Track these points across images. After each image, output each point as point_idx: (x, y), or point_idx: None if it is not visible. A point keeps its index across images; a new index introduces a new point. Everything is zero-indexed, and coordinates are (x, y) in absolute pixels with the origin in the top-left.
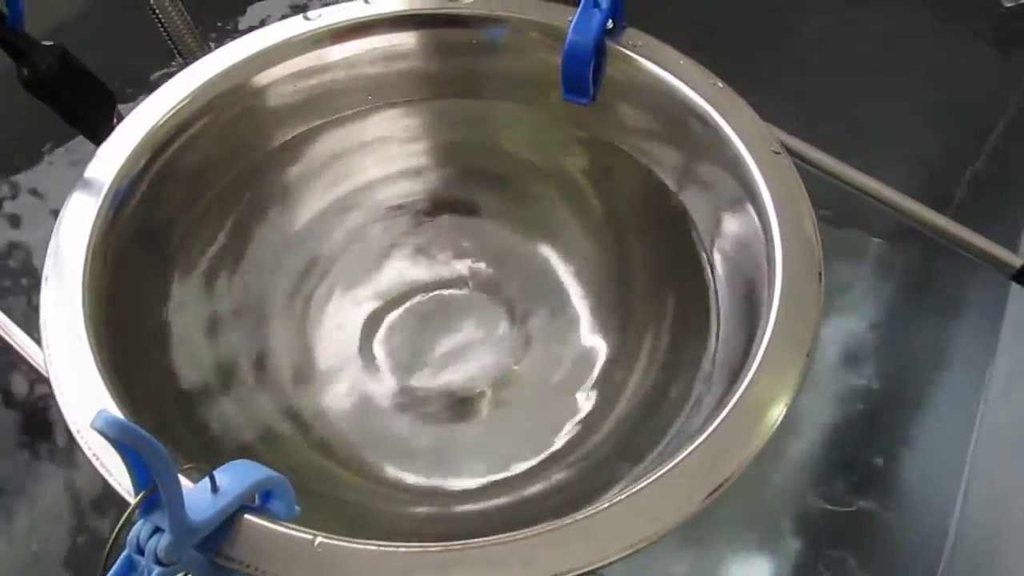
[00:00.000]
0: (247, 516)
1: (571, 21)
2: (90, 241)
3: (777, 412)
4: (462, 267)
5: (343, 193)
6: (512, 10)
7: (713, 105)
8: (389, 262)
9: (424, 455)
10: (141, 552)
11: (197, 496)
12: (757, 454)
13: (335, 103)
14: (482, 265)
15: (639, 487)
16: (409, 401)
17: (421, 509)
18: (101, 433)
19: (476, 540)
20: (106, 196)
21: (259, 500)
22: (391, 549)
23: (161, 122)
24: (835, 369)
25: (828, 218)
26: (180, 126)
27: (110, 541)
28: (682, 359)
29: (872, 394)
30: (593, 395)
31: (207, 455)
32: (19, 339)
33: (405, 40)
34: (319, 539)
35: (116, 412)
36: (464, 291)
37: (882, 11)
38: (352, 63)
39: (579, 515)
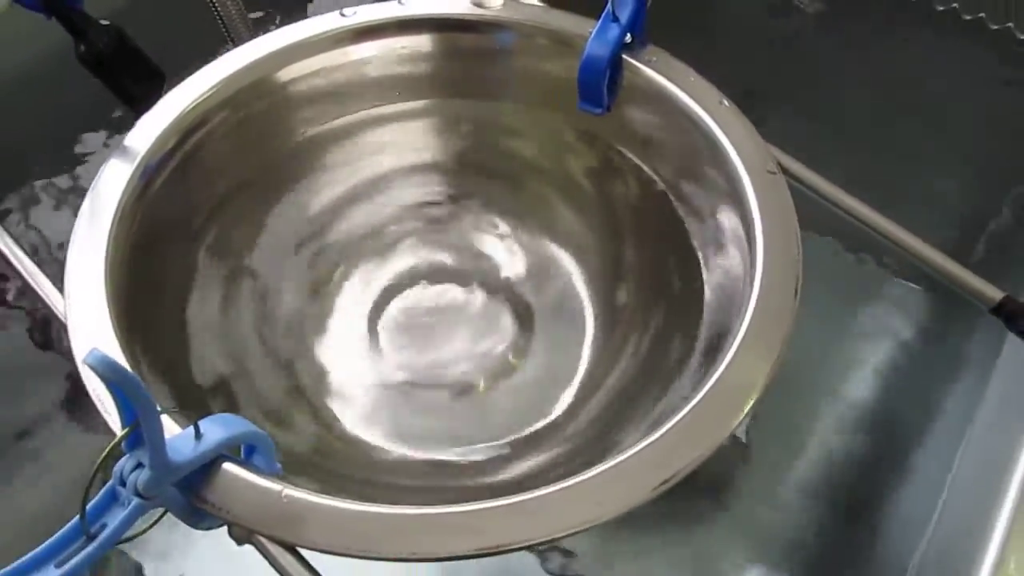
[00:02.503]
0: (226, 465)
1: (590, 34)
2: (119, 206)
3: (731, 422)
4: (468, 259)
5: (359, 184)
6: (527, 17)
7: (716, 121)
8: (399, 251)
9: (419, 433)
10: (124, 484)
11: (181, 440)
12: (705, 458)
13: (354, 100)
14: (488, 258)
15: (590, 475)
16: (408, 383)
17: (411, 482)
18: (92, 369)
19: (432, 508)
20: (137, 167)
21: (244, 455)
22: (349, 506)
23: (191, 107)
24: (832, 397)
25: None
26: (208, 113)
27: (93, 469)
28: (666, 360)
29: (867, 429)
30: (575, 390)
31: (200, 409)
32: (51, 295)
33: (425, 43)
34: (285, 491)
35: (119, 355)
36: (469, 283)
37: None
38: (373, 62)
39: (531, 494)
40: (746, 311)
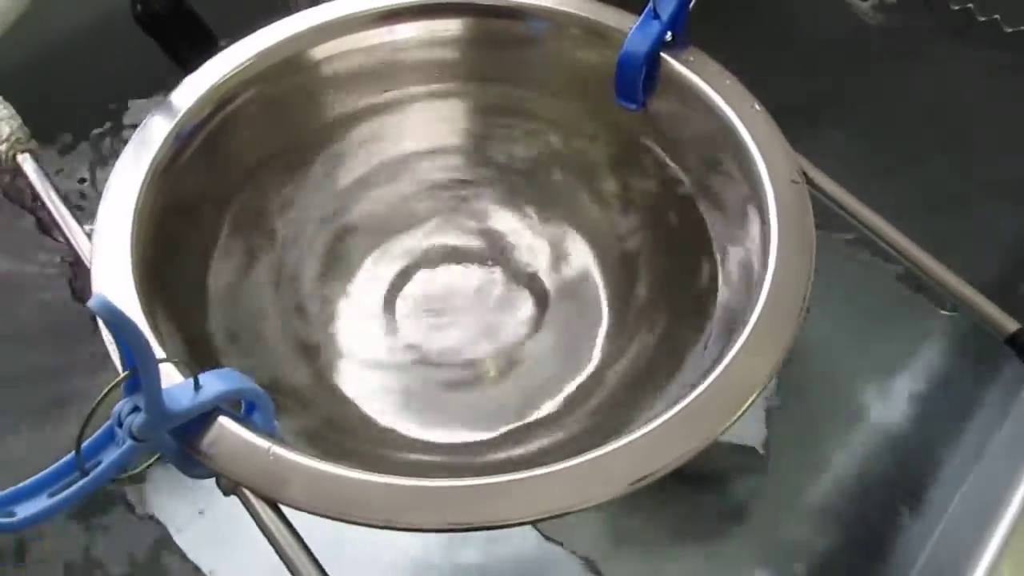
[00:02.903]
0: (221, 418)
1: (628, 28)
2: (153, 164)
3: (718, 426)
4: (488, 243)
5: (384, 163)
6: (561, 5)
7: (745, 125)
8: (420, 231)
9: (428, 412)
10: (121, 425)
11: (179, 390)
12: (686, 458)
13: (384, 81)
14: (508, 243)
15: (574, 462)
16: (422, 362)
17: (412, 456)
18: (96, 314)
19: (414, 479)
20: (173, 129)
21: (244, 411)
22: (332, 469)
23: (228, 77)
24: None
25: None
26: (242, 85)
27: (91, 408)
28: (674, 354)
29: (885, 450)
30: (585, 377)
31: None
32: (83, 246)
33: (458, 26)
34: (273, 449)
35: (135, 305)
36: (487, 266)
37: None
38: (405, 44)
39: (513, 475)
40: (750, 318)
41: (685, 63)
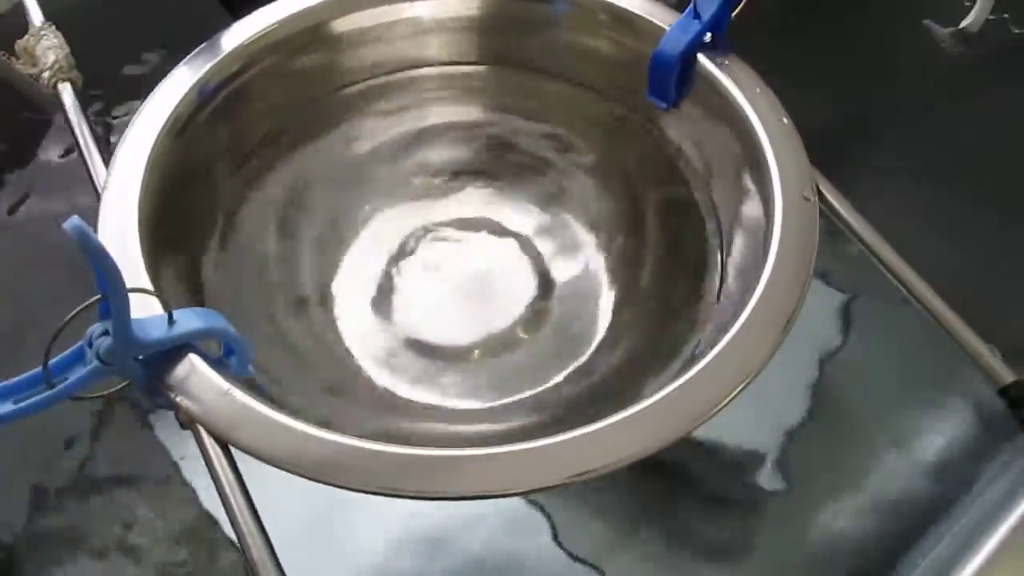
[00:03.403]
0: (191, 355)
1: (668, 27)
2: (173, 115)
3: (667, 437)
4: (495, 221)
5: (398, 137)
6: None
7: (768, 135)
8: (429, 204)
9: (418, 378)
10: (91, 346)
11: (152, 322)
12: (628, 462)
13: (404, 57)
14: (515, 224)
15: (544, 442)
16: (416, 335)
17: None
18: (70, 235)
19: (355, 439)
20: (196, 84)
21: (223, 354)
22: (282, 419)
23: (250, 41)
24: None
25: None
26: (263, 51)
27: (57, 330)
28: (663, 356)
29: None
30: (581, 362)
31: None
32: (100, 174)
33: (480, 6)
34: (232, 391)
35: (136, 243)
36: (491, 244)
37: None
38: (426, 21)
39: (452, 451)
40: (730, 329)
41: (719, 66)
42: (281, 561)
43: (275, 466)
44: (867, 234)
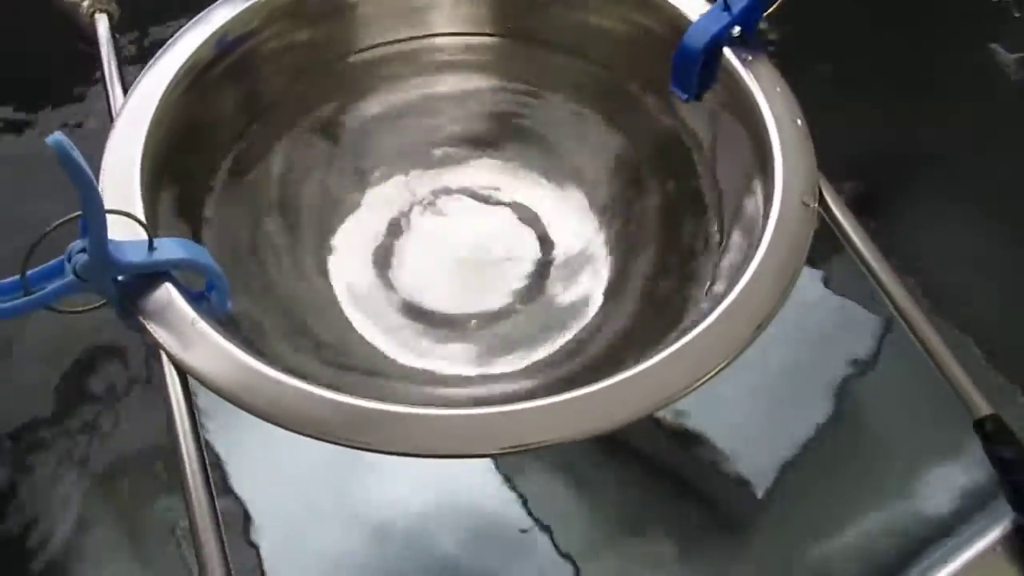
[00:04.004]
0: (168, 283)
1: (696, 19)
2: (188, 65)
3: (613, 419)
4: (496, 193)
5: (406, 103)
6: None
7: (780, 135)
8: (434, 172)
9: (407, 342)
10: (70, 260)
11: (133, 245)
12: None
13: (415, 26)
14: (517, 198)
15: (503, 409)
16: (412, 300)
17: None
18: (52, 150)
19: (307, 384)
20: (219, 29)
21: (205, 288)
22: (240, 355)
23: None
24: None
25: None
26: (274, 13)
27: (39, 238)
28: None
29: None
30: (575, 333)
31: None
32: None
33: None
34: (197, 323)
35: (136, 170)
36: (491, 215)
37: None
38: None
39: (390, 407)
40: (700, 325)
41: (743, 61)
42: None
43: (223, 397)
44: (863, 246)
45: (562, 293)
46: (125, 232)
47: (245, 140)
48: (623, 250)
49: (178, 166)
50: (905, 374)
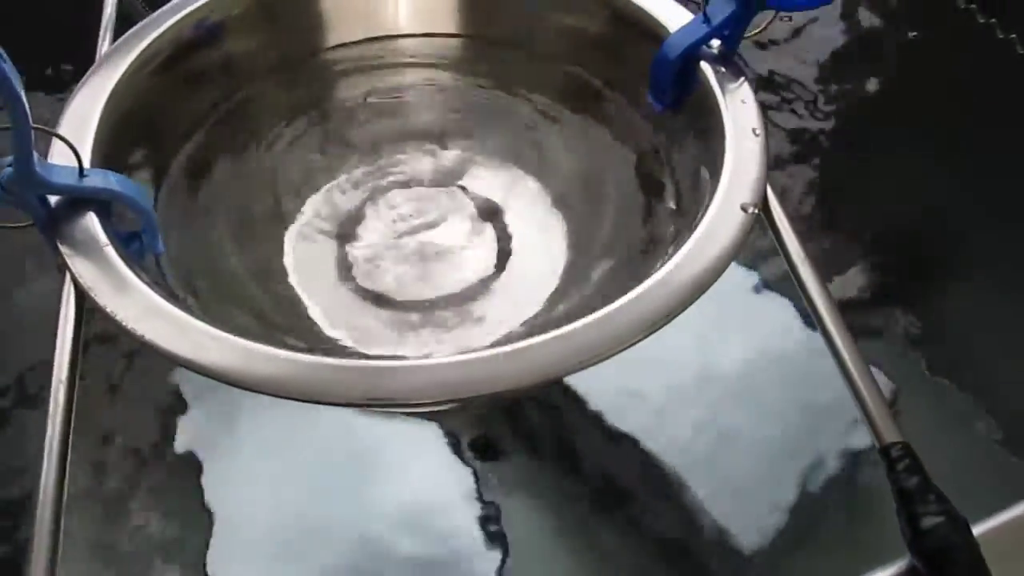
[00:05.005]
0: (93, 211)
1: (676, 30)
2: (168, 35)
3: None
4: (457, 178)
5: (368, 94)
6: None
7: (735, 141)
8: (395, 157)
9: (357, 326)
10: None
11: (62, 168)
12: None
13: (381, 24)
14: (481, 183)
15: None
16: (375, 277)
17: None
18: None
19: (189, 317)
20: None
21: (142, 228)
22: (139, 285)
23: None
24: None
25: None
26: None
27: None
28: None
29: None
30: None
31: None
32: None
33: None
34: (107, 247)
35: (98, 112)
36: (455, 200)
37: None
38: None
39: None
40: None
41: (715, 71)
42: None
43: (112, 320)
44: (799, 262)
45: (522, 275)
46: (61, 156)
47: (215, 116)
48: (582, 236)
49: (145, 132)
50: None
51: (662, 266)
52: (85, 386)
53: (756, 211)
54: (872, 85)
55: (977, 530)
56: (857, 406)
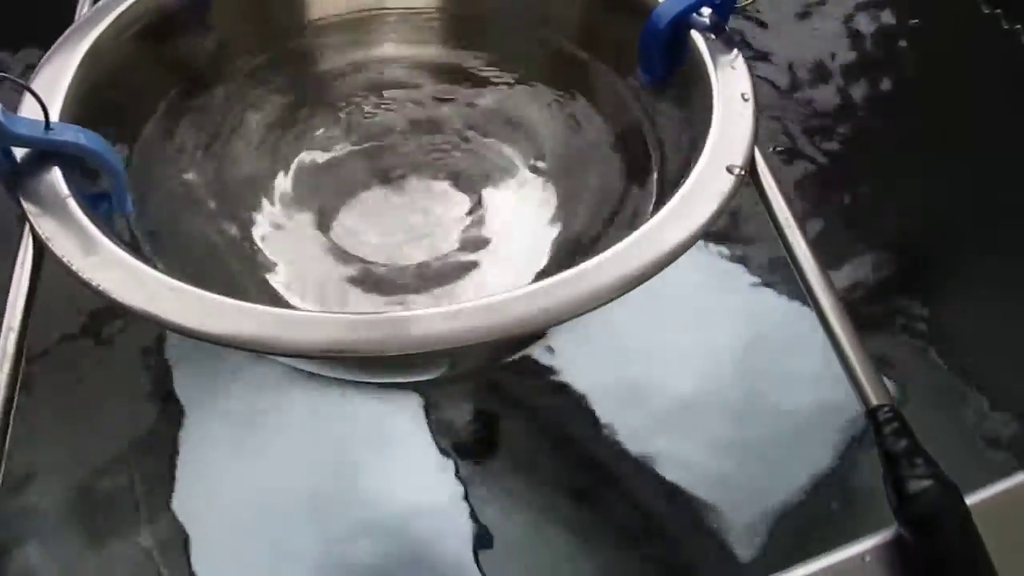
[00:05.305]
0: (59, 166)
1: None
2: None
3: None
4: (441, 143)
5: (358, 60)
6: None
7: (722, 104)
8: (377, 127)
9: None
10: None
11: (28, 121)
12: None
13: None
14: (465, 148)
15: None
16: (355, 248)
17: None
18: None
19: (163, 277)
20: None
21: (114, 187)
22: (101, 239)
23: None
24: None
25: None
26: None
27: None
28: None
29: None
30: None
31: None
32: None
33: None
34: (69, 201)
35: (72, 69)
36: (437, 174)
37: None
38: None
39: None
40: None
41: (705, 39)
42: None
43: (69, 270)
44: (786, 227)
45: (504, 249)
46: (30, 110)
47: (189, 85)
48: (567, 207)
49: (119, 95)
50: None
51: (642, 224)
52: None
53: (743, 173)
54: (872, 74)
55: (970, 500)
56: (843, 367)
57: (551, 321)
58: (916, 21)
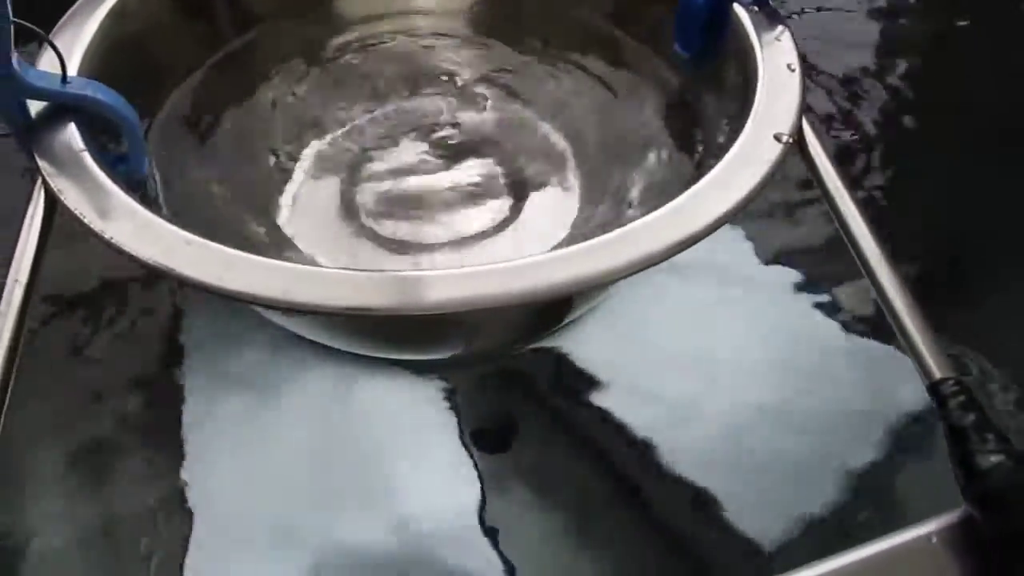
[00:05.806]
0: (71, 123)
1: None
2: None
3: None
4: (477, 114)
5: (381, 34)
6: None
7: (768, 75)
8: (412, 100)
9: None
10: None
11: (46, 74)
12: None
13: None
14: (500, 121)
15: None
16: (381, 219)
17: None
18: None
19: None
20: None
21: (129, 149)
22: (112, 190)
23: None
24: None
25: None
26: None
27: None
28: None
29: None
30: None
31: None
32: None
33: None
34: (84, 154)
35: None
36: (469, 138)
37: None
38: None
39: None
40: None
41: (748, 11)
42: None
43: (79, 220)
44: (837, 196)
45: (533, 222)
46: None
47: (217, 56)
48: (600, 191)
49: (142, 58)
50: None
51: (684, 191)
52: None
53: (791, 140)
54: (904, 68)
55: None
56: (902, 341)
57: (596, 281)
58: (964, 23)
